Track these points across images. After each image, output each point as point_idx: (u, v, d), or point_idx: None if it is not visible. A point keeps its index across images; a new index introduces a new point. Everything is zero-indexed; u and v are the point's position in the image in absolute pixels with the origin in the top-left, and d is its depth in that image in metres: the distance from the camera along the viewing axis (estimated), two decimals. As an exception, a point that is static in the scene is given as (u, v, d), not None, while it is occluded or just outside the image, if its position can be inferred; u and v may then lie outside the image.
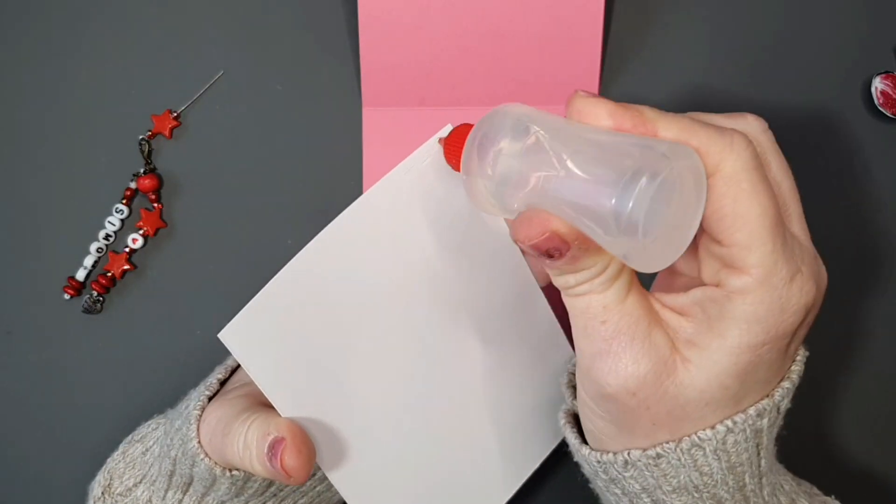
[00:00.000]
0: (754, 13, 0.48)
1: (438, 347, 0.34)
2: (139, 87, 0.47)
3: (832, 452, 0.47)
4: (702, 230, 0.27)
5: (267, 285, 0.30)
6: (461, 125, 0.31)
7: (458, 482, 0.36)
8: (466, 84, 0.46)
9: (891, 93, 0.47)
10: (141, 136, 0.46)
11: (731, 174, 0.25)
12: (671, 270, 0.30)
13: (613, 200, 0.23)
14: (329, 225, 0.31)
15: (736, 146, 0.26)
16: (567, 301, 0.28)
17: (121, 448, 0.38)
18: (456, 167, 0.30)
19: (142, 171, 0.46)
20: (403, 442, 0.34)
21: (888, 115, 0.47)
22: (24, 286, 0.46)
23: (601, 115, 0.26)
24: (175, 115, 0.46)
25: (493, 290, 0.34)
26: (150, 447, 0.37)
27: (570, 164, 0.25)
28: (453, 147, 0.30)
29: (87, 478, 0.39)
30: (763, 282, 0.26)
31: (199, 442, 0.33)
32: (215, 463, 0.32)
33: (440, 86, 0.46)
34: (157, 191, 0.46)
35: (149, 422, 0.39)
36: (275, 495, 0.35)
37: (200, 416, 0.33)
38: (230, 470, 0.33)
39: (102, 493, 0.37)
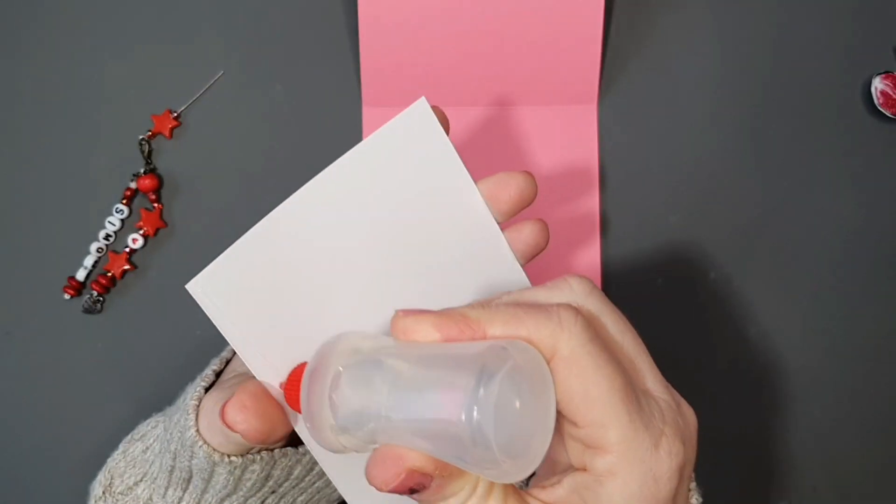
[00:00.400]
0: (754, 14, 0.48)
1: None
2: (139, 87, 0.47)
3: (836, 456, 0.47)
4: (560, 415, 0.26)
5: (239, 240, 0.30)
6: (298, 366, 0.30)
7: None
8: (466, 84, 0.46)
9: (891, 93, 0.47)
10: (141, 136, 0.46)
11: (568, 355, 0.25)
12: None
13: (460, 418, 0.22)
14: (304, 185, 0.30)
15: (565, 325, 0.25)
16: None
17: (121, 447, 0.38)
18: (296, 407, 0.29)
19: (142, 171, 0.46)
20: None
21: (888, 115, 0.47)
22: (25, 286, 0.46)
23: (427, 330, 0.25)
24: (175, 115, 0.46)
25: (468, 261, 0.34)
26: (151, 445, 0.37)
27: (407, 392, 0.24)
28: (292, 389, 0.29)
29: (87, 477, 0.39)
30: (627, 457, 0.25)
31: (197, 430, 0.33)
32: (213, 449, 0.32)
33: (440, 86, 0.46)
34: (157, 191, 0.46)
35: (148, 420, 0.39)
36: (273, 491, 0.35)
37: (198, 405, 0.34)
38: (228, 456, 0.33)
39: (103, 493, 0.37)
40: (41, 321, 0.46)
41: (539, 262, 0.46)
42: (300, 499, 0.37)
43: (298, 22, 0.47)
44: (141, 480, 0.36)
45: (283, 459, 0.34)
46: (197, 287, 0.29)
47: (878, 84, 0.47)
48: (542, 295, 0.28)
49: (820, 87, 0.48)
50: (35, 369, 0.46)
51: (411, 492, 0.24)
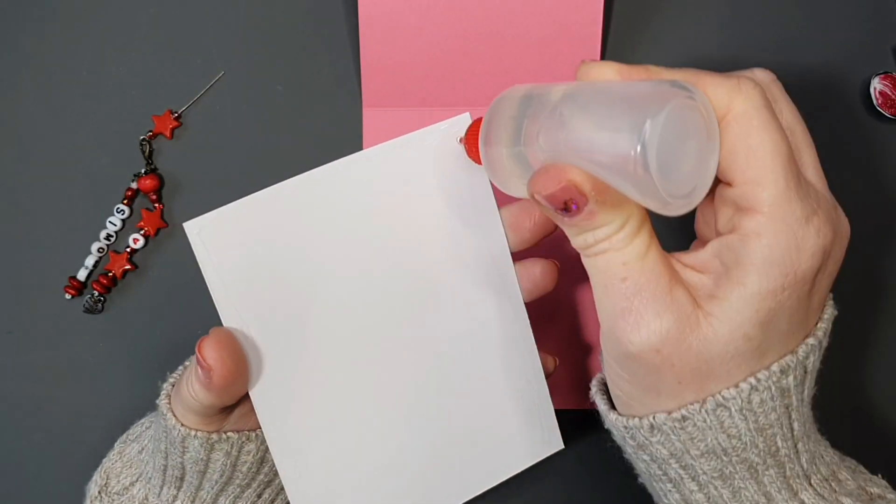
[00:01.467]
0: (753, 14, 0.48)
1: (406, 327, 0.33)
2: (140, 88, 0.47)
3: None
4: (716, 180, 0.26)
5: (248, 197, 0.30)
6: (475, 121, 0.31)
7: (404, 465, 0.34)
8: (466, 84, 0.46)
9: (889, 93, 0.47)
10: (142, 137, 0.46)
11: (740, 113, 0.25)
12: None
13: (626, 140, 0.23)
14: (326, 165, 0.31)
15: (744, 88, 0.25)
16: (587, 262, 0.28)
17: (116, 448, 0.38)
18: (476, 157, 0.30)
19: (143, 171, 0.46)
20: (347, 407, 0.33)
21: (887, 115, 0.47)
22: (26, 286, 0.46)
23: (609, 72, 0.27)
24: (176, 115, 0.46)
25: (470, 284, 0.34)
26: (146, 445, 0.37)
27: (580, 114, 0.25)
28: (472, 137, 0.30)
29: (87, 476, 0.39)
30: (776, 219, 0.25)
31: (182, 424, 0.33)
32: (208, 433, 0.33)
33: (440, 86, 0.46)
34: (158, 191, 0.46)
35: (142, 420, 0.39)
36: (270, 482, 0.35)
37: (169, 403, 0.34)
38: (225, 433, 0.33)
39: (99, 493, 0.37)
40: (42, 321, 0.46)
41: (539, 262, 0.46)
42: None
43: (299, 22, 0.47)
44: (137, 480, 0.36)
45: None
46: (193, 227, 0.30)
47: (876, 84, 0.47)
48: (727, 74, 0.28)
49: (819, 87, 0.48)
50: (36, 369, 0.46)
51: (566, 209, 0.25)
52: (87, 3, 0.47)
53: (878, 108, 0.47)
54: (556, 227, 0.32)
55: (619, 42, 0.48)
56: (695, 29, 0.48)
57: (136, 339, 0.46)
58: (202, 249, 0.30)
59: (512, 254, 0.34)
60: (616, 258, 0.26)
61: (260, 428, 0.34)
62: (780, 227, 0.25)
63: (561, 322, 0.46)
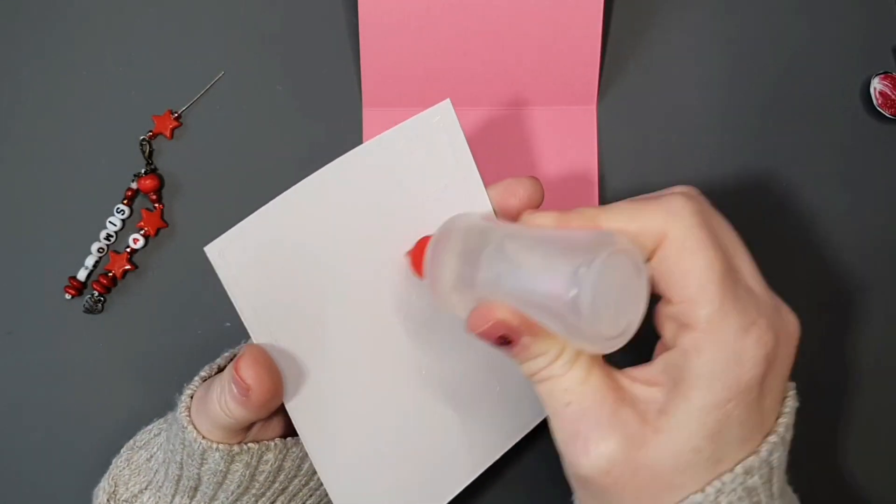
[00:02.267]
0: (753, 14, 0.48)
1: (421, 315, 0.34)
2: (140, 88, 0.47)
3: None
4: (660, 297, 0.28)
5: (257, 211, 0.30)
6: (423, 238, 0.32)
7: (431, 449, 0.35)
8: (466, 84, 0.46)
9: (889, 93, 0.47)
10: (142, 137, 0.46)
11: (675, 238, 0.27)
12: None
13: (559, 287, 0.25)
14: (328, 165, 0.31)
15: (676, 210, 0.27)
16: (534, 389, 0.29)
17: (124, 455, 0.38)
18: (419, 274, 0.32)
19: (143, 171, 0.46)
20: (376, 402, 0.34)
21: (887, 115, 0.47)
22: (26, 286, 0.46)
23: (548, 220, 0.29)
24: (176, 115, 0.46)
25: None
26: (155, 453, 0.37)
27: (518, 257, 0.27)
28: (417, 257, 0.32)
29: (88, 478, 0.39)
30: (714, 335, 0.26)
31: (203, 437, 0.33)
32: (230, 445, 0.33)
33: (440, 86, 0.46)
34: (158, 191, 0.46)
35: (150, 426, 0.39)
36: (284, 489, 0.35)
37: (189, 416, 0.34)
38: (245, 444, 0.33)
39: (108, 500, 0.37)
40: (42, 321, 0.46)
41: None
42: (309, 502, 0.37)
43: (299, 22, 0.47)
44: (146, 488, 0.36)
45: (294, 448, 0.35)
46: (214, 250, 0.30)
47: (877, 85, 0.47)
48: (655, 195, 0.30)
49: (819, 87, 0.48)
50: (36, 369, 0.46)
51: (501, 344, 0.27)
52: (87, 4, 0.47)
53: (879, 109, 0.47)
54: (541, 202, 0.33)
55: (618, 42, 0.48)
56: (694, 29, 0.48)
57: (136, 340, 0.46)
58: (226, 270, 0.30)
59: None
60: (558, 385, 0.28)
61: (278, 437, 0.34)
62: (719, 343, 0.26)
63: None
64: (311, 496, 0.37)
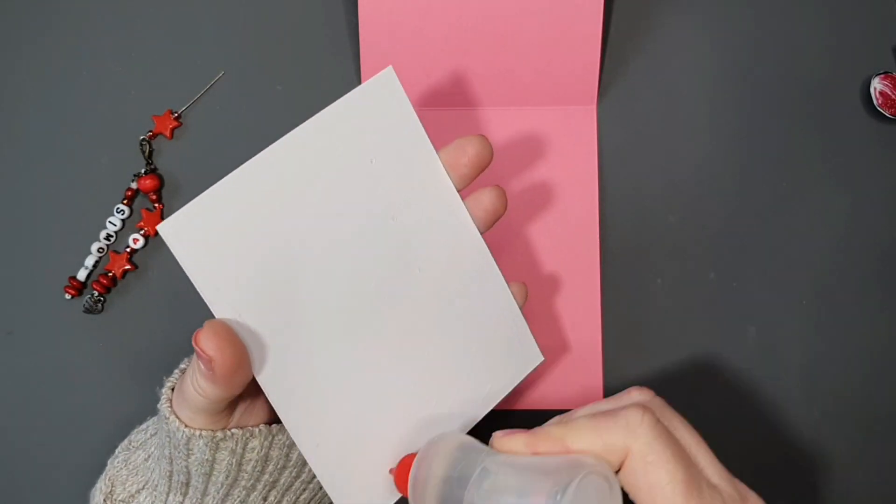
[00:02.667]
0: (753, 14, 0.48)
1: (387, 281, 0.34)
2: (140, 88, 0.47)
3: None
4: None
5: (209, 188, 0.30)
6: (407, 456, 0.34)
7: (414, 417, 0.36)
8: (466, 84, 0.46)
9: (890, 93, 0.47)
10: (142, 137, 0.46)
11: (637, 453, 0.29)
12: None
13: None
14: (273, 144, 0.31)
15: (633, 426, 0.29)
16: None
17: (121, 455, 0.38)
18: (404, 492, 0.33)
19: (143, 171, 0.46)
20: (348, 369, 0.34)
21: (887, 115, 0.47)
22: (26, 286, 0.46)
23: (519, 446, 0.31)
24: (176, 115, 0.46)
25: (429, 227, 0.35)
26: (152, 452, 0.37)
27: (500, 486, 0.29)
28: (401, 476, 0.33)
29: (88, 477, 0.39)
30: None
31: (185, 425, 0.33)
32: (212, 431, 0.33)
33: (440, 86, 0.46)
34: (158, 191, 0.46)
35: (144, 426, 0.39)
36: (275, 482, 0.35)
37: (171, 407, 0.34)
38: (230, 429, 0.33)
39: (104, 501, 0.37)
40: (42, 321, 0.46)
41: (540, 263, 0.46)
42: (302, 497, 0.37)
43: (299, 22, 0.47)
44: (143, 488, 0.36)
45: (280, 435, 0.35)
46: (167, 228, 0.30)
47: (877, 84, 0.47)
48: (613, 403, 0.32)
49: (819, 87, 0.48)
50: (36, 369, 0.46)
51: None
52: (87, 4, 0.47)
53: (879, 108, 0.47)
54: (490, 160, 0.34)
55: (619, 42, 0.48)
56: (694, 28, 0.48)
57: (135, 340, 0.46)
58: (179, 248, 0.30)
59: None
60: None
61: (263, 423, 0.34)
62: None
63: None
64: (304, 489, 0.37)
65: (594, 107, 0.47)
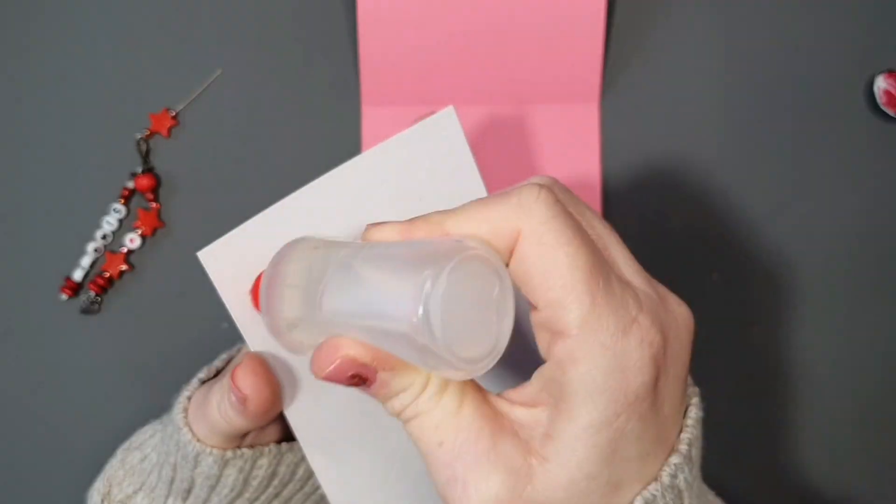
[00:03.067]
0: (756, 12, 0.48)
1: None
2: (136, 86, 0.47)
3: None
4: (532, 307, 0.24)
5: (256, 216, 0.30)
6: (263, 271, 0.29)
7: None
8: (466, 83, 0.46)
9: (893, 92, 0.46)
10: (138, 136, 0.46)
11: (529, 233, 0.23)
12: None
13: (404, 308, 0.21)
14: (327, 173, 0.31)
15: (526, 203, 0.23)
16: (405, 430, 0.25)
17: (119, 455, 0.38)
18: (258, 308, 0.29)
19: (139, 170, 0.46)
20: (377, 408, 0.33)
21: (891, 114, 0.47)
22: (21, 287, 0.46)
23: (388, 230, 0.25)
24: (173, 114, 0.46)
25: None
26: (148, 454, 0.37)
27: (361, 281, 0.24)
28: (256, 292, 0.29)
29: (86, 477, 0.39)
30: (589, 341, 0.22)
31: (198, 440, 0.33)
32: (223, 450, 0.32)
33: (440, 85, 0.46)
34: (155, 190, 0.46)
35: (145, 428, 0.39)
36: (277, 494, 0.35)
37: (186, 417, 0.33)
38: (240, 448, 0.33)
39: (102, 501, 0.37)
40: (38, 322, 0.45)
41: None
42: None
43: (298, 21, 0.47)
44: (140, 489, 0.36)
45: (289, 454, 0.34)
46: (208, 255, 0.30)
47: (880, 83, 0.47)
48: (505, 190, 0.25)
49: (822, 85, 0.48)
50: (32, 370, 0.45)
51: (354, 383, 0.24)
52: (84, 2, 0.47)
53: (882, 107, 0.47)
54: None
55: (621, 39, 0.48)
56: (697, 26, 0.48)
57: (132, 340, 0.46)
58: (219, 276, 0.30)
59: None
60: (428, 421, 0.24)
61: (273, 442, 0.34)
62: (595, 349, 0.22)
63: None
64: (305, 501, 0.36)
65: (596, 105, 0.46)
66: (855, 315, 0.47)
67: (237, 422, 0.31)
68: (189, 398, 0.34)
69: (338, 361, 0.23)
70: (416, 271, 0.22)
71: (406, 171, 0.32)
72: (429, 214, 0.25)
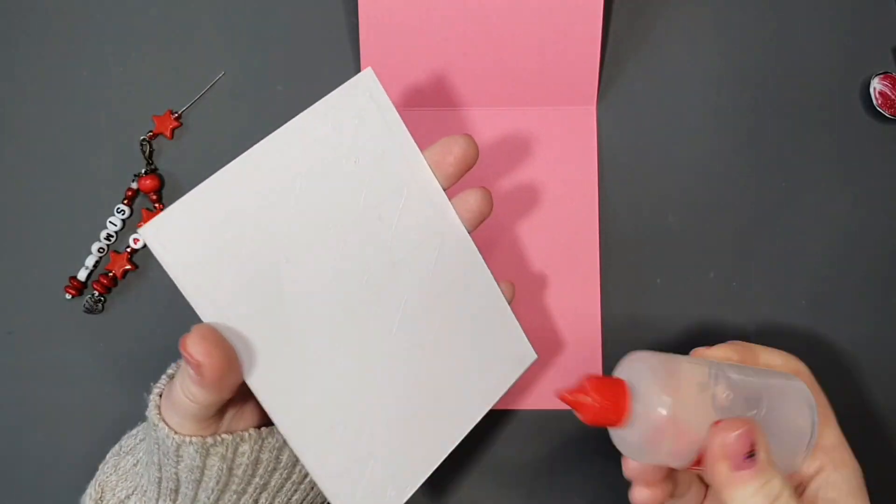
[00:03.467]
0: (753, 14, 0.48)
1: (374, 280, 0.34)
2: (140, 88, 0.47)
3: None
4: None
5: (197, 187, 0.30)
6: (589, 378, 0.32)
7: (408, 415, 0.35)
8: (466, 84, 0.46)
9: (889, 93, 0.47)
10: (142, 137, 0.46)
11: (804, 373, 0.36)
12: None
13: (805, 419, 0.33)
14: (254, 146, 0.31)
15: (796, 365, 0.37)
16: None
17: (111, 460, 0.38)
18: (611, 422, 0.31)
19: (143, 171, 0.46)
20: (339, 370, 0.34)
21: (887, 115, 0.47)
22: (26, 286, 0.46)
23: (732, 355, 0.35)
24: (176, 115, 0.46)
25: (416, 226, 0.35)
26: (140, 458, 0.37)
27: (747, 389, 0.32)
28: (603, 402, 0.32)
29: (87, 476, 0.39)
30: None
31: (175, 432, 0.33)
32: (203, 438, 0.32)
33: (440, 86, 0.46)
34: (159, 191, 0.46)
35: (135, 431, 0.39)
36: (265, 485, 0.35)
37: (159, 413, 0.33)
38: (220, 434, 0.33)
39: None
40: (43, 321, 0.46)
41: (540, 263, 0.46)
42: (294, 497, 0.37)
43: (299, 22, 0.47)
44: (132, 493, 0.36)
45: (269, 438, 0.34)
46: (149, 231, 0.30)
47: (876, 85, 0.47)
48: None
49: (819, 87, 0.48)
50: (36, 369, 0.46)
51: (746, 454, 0.30)
52: (87, 4, 0.47)
53: (878, 109, 0.47)
54: (476, 159, 0.34)
55: (619, 42, 0.48)
56: (694, 29, 0.48)
57: (136, 340, 0.46)
58: (162, 251, 0.30)
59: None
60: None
61: (252, 427, 0.34)
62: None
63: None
64: (295, 490, 0.36)
65: (594, 107, 0.47)
66: (853, 314, 0.47)
67: (199, 395, 0.31)
68: (160, 395, 0.34)
69: (746, 429, 0.31)
70: (778, 381, 0.34)
71: (337, 134, 0.33)
72: (742, 343, 0.36)
